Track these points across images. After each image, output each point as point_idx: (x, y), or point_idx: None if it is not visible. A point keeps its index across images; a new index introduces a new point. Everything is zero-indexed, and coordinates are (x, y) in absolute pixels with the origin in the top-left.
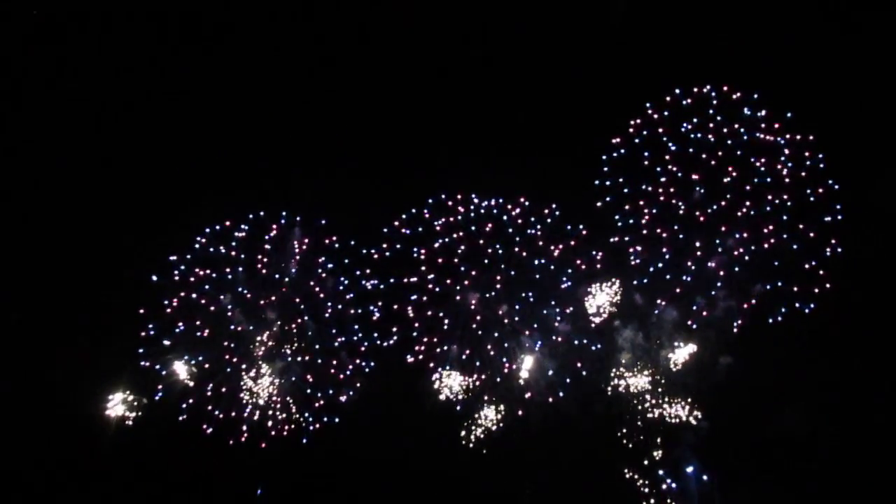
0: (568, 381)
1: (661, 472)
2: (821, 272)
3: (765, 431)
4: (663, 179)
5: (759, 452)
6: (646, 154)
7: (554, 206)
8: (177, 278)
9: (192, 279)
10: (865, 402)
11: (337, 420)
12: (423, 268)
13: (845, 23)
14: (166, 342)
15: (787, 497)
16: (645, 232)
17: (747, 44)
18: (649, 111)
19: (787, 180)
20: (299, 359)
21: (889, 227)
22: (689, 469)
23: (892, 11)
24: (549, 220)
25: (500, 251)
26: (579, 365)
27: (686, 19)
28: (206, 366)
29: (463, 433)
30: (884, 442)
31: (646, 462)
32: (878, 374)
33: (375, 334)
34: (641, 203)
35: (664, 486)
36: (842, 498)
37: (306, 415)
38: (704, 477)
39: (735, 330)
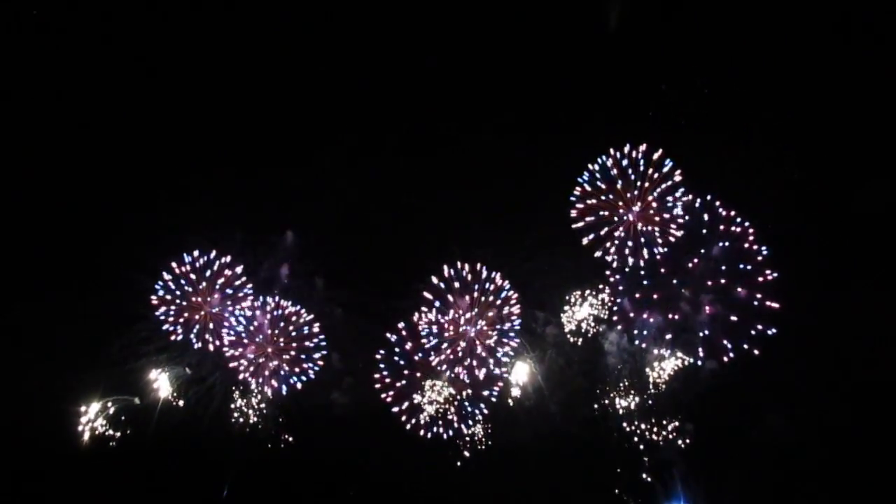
0: (555, 386)
1: (645, 476)
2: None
3: (750, 436)
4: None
5: (743, 457)
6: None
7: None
8: (161, 282)
9: (180, 282)
10: (852, 407)
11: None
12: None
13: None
14: (145, 349)
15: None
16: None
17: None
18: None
19: None
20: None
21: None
22: (674, 470)
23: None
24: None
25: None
26: (567, 370)
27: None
28: (190, 372)
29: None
30: (870, 448)
31: (631, 467)
32: (865, 379)
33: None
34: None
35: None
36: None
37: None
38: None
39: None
